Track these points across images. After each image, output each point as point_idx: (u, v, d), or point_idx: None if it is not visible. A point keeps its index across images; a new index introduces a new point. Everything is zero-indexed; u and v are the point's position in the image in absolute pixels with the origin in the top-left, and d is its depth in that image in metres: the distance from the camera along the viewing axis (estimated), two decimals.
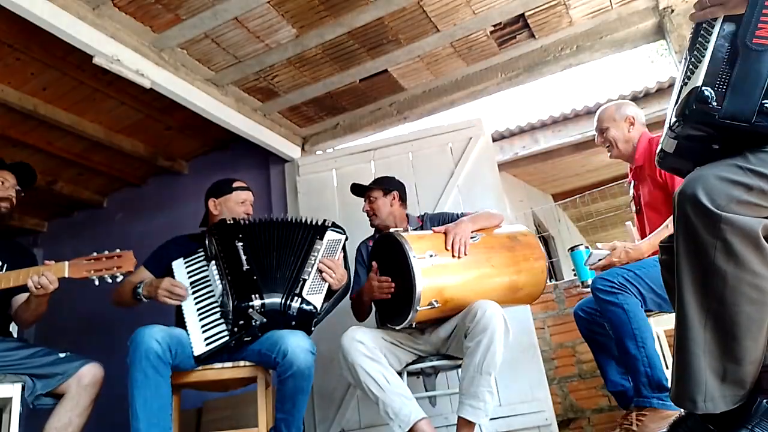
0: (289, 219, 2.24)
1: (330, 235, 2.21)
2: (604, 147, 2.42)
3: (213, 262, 2.08)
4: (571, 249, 2.24)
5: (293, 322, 2.01)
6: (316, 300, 2.06)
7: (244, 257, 2.06)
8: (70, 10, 2.31)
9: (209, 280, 2.10)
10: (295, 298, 2.02)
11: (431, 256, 2.06)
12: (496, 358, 1.94)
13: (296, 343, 1.90)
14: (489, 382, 1.94)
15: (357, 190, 2.64)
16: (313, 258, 2.13)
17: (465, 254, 2.12)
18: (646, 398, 1.91)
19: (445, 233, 2.17)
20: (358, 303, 2.40)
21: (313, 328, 2.07)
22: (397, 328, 2.12)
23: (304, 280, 2.07)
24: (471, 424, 1.94)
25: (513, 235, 2.34)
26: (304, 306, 2.02)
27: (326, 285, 2.10)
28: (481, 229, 2.25)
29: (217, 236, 2.12)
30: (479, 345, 1.94)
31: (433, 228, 2.27)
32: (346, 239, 2.26)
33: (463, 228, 2.18)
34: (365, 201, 2.59)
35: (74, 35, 2.34)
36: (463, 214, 2.37)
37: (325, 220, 2.25)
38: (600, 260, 2.14)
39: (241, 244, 2.09)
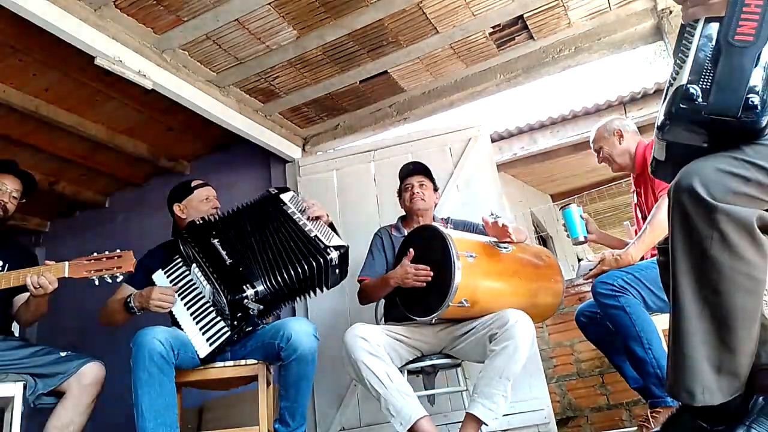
0: (247, 203, 2.25)
1: (285, 195, 2.26)
2: (605, 165, 2.44)
3: (194, 265, 2.07)
4: (563, 207, 2.26)
5: (337, 270, 2.02)
6: (336, 240, 2.07)
7: (223, 252, 2.03)
8: (72, 12, 2.32)
9: (194, 284, 2.10)
10: (328, 249, 2.01)
11: (470, 256, 2.09)
12: (517, 366, 1.96)
13: (299, 328, 1.94)
14: (505, 387, 1.96)
15: (414, 168, 2.62)
16: (296, 217, 2.13)
17: (512, 241, 2.21)
18: (660, 398, 1.93)
19: (494, 223, 2.20)
20: (375, 287, 2.39)
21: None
22: (419, 320, 2.14)
23: (316, 236, 2.05)
24: (478, 423, 1.94)
25: (539, 254, 2.43)
26: (339, 251, 2.02)
27: (328, 227, 2.13)
28: (512, 241, 2.28)
29: (191, 239, 2.10)
30: (505, 350, 1.96)
31: (483, 217, 2.27)
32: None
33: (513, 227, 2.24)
34: (415, 183, 2.57)
35: (76, 36, 2.34)
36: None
37: (268, 190, 2.30)
38: (590, 270, 2.15)
39: (217, 240, 2.07)
